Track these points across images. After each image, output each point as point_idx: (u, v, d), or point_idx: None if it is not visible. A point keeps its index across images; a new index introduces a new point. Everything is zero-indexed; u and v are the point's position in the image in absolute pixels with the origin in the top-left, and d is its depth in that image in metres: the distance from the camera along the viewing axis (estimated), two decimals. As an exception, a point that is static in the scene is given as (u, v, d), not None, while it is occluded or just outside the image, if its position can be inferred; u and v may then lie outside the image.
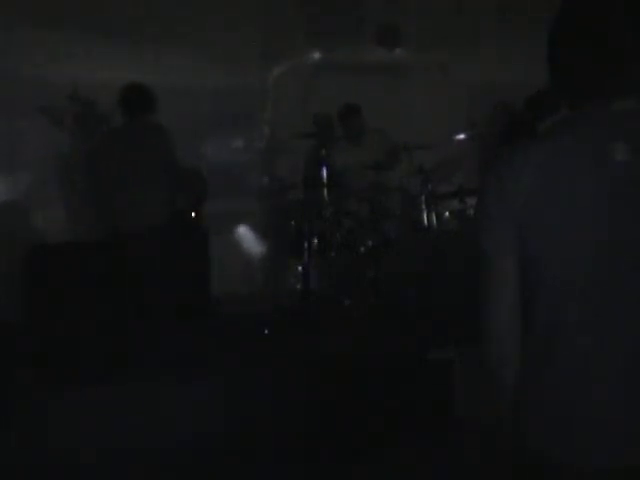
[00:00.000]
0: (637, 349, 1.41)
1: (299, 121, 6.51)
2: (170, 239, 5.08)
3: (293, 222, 5.59)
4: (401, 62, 7.31)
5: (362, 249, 5.47)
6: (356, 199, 5.79)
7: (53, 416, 3.59)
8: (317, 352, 4.25)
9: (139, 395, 3.72)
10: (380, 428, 3.72)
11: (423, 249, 5.35)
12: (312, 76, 7.20)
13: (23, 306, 4.62)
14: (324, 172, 5.66)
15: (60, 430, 3.53)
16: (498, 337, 1.54)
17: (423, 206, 5.65)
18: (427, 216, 5.64)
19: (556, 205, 1.43)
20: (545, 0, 2.25)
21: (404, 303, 5.00)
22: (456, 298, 3.95)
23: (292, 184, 6.29)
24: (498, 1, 6.80)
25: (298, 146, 6.34)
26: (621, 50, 1.44)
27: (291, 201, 6.14)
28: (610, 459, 1.41)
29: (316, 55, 7.27)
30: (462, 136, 6.06)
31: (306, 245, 5.42)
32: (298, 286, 5.58)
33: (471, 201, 5.58)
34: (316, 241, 5.43)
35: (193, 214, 5.58)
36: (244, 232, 7.07)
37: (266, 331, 4.70)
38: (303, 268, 5.48)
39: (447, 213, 5.80)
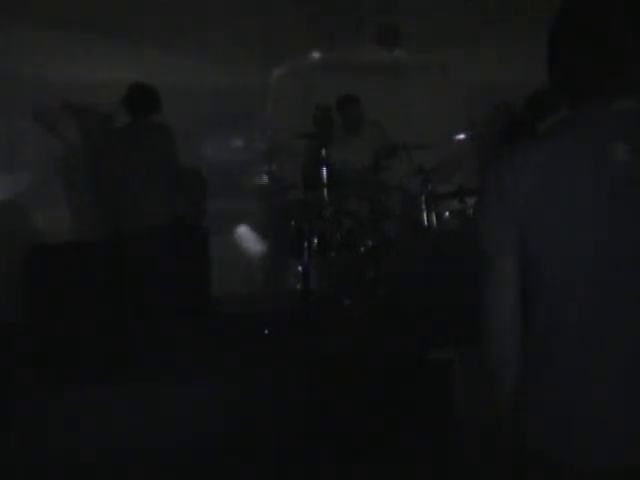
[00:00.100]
0: (637, 349, 1.41)
1: (299, 121, 6.50)
2: (170, 239, 5.08)
3: (293, 222, 5.59)
4: (401, 62, 7.31)
5: (362, 249, 5.47)
6: (356, 199, 5.79)
7: (53, 416, 3.59)
8: (317, 352, 4.25)
9: (139, 395, 3.72)
10: (380, 428, 3.72)
11: (423, 249, 5.34)
12: (312, 76, 7.20)
13: (23, 306, 4.63)
14: (324, 172, 5.66)
15: (60, 430, 3.54)
16: (498, 337, 1.54)
17: (423, 206, 5.65)
18: (427, 216, 5.64)
19: (556, 205, 1.43)
20: (545, 0, 2.25)
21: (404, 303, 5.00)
22: (456, 298, 3.94)
23: (292, 184, 6.29)
24: (498, 1, 6.79)
25: (298, 146, 6.33)
26: (621, 50, 1.44)
27: (291, 201, 6.14)
28: (610, 459, 1.41)
29: (316, 55, 7.27)
30: (462, 136, 6.06)
31: (306, 245, 5.42)
32: (298, 286, 5.58)
33: (471, 201, 5.58)
34: (316, 241, 5.43)
35: (193, 214, 5.58)
36: (244, 232, 7.07)
37: (266, 331, 4.70)
38: (303, 268, 5.48)
39: (447, 213, 5.80)
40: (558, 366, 1.45)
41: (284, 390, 3.85)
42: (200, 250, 5.32)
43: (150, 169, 5.04)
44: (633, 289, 1.41)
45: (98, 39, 6.12)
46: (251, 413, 3.73)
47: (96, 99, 5.94)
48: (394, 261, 5.36)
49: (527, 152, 1.48)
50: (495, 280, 1.53)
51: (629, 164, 1.41)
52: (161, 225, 5.04)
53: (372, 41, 7.18)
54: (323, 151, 5.70)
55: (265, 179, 7.21)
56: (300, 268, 5.55)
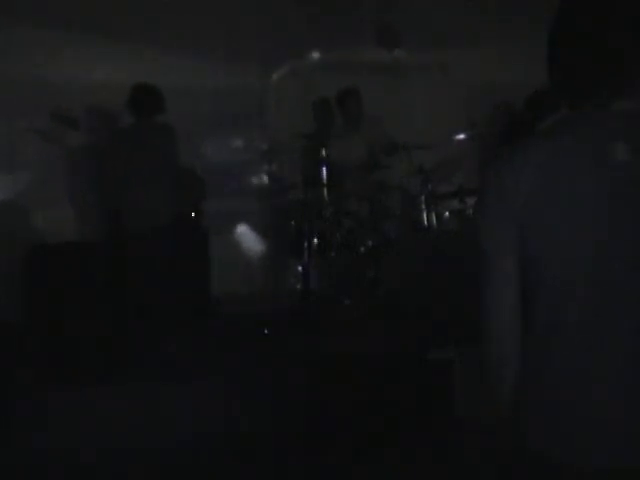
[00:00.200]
0: (637, 349, 1.41)
1: (299, 121, 6.50)
2: (170, 239, 5.08)
3: (293, 222, 5.59)
4: (401, 62, 7.31)
5: (362, 249, 5.47)
6: (356, 199, 5.79)
7: (53, 416, 3.59)
8: (317, 352, 4.25)
9: (139, 395, 3.72)
10: (380, 428, 3.72)
11: (423, 249, 5.34)
12: (312, 76, 7.19)
13: (23, 306, 4.63)
14: (324, 172, 5.66)
15: (60, 430, 3.54)
16: (498, 337, 1.54)
17: (423, 206, 5.65)
18: (427, 216, 5.64)
19: (556, 205, 1.43)
20: (545, 0, 2.25)
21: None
22: (456, 298, 3.94)
23: (292, 184, 6.29)
24: (498, 1, 6.79)
25: (298, 146, 6.34)
26: (621, 50, 1.44)
27: (291, 201, 6.14)
28: (610, 459, 1.41)
29: (316, 55, 7.27)
30: (462, 136, 6.05)
31: (306, 245, 5.42)
32: (298, 286, 5.59)
33: (471, 201, 5.57)
34: (316, 241, 5.44)
35: (193, 214, 5.59)
36: (244, 232, 7.07)
37: (266, 331, 4.70)
38: (303, 268, 5.48)
39: (447, 213, 5.80)
40: (558, 366, 1.45)
41: (284, 390, 3.85)
42: (200, 250, 5.33)
43: (152, 170, 5.05)
44: (633, 289, 1.41)
45: (98, 39, 6.12)
46: (251, 413, 3.73)
47: (96, 99, 5.94)
48: (394, 261, 5.36)
49: (527, 152, 1.48)
50: (495, 280, 1.53)
51: (629, 164, 1.41)
52: (161, 225, 5.04)
53: (372, 41, 7.17)
54: (323, 151, 5.70)
55: (265, 179, 7.21)
56: (300, 268, 5.55)
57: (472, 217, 5.34)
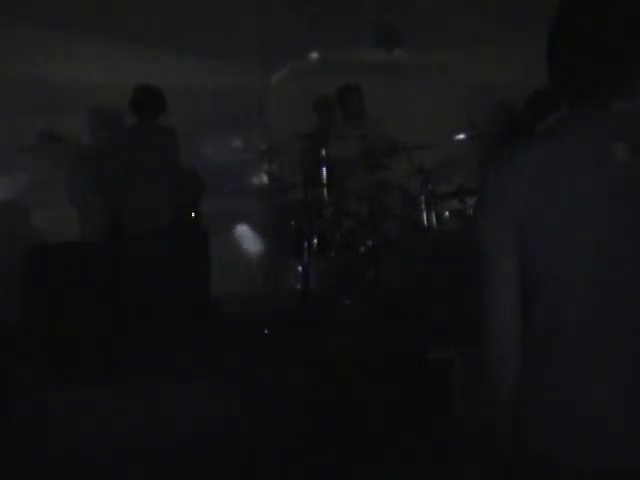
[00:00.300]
0: (637, 349, 1.41)
1: (299, 121, 6.50)
2: (170, 239, 5.09)
3: (293, 222, 5.59)
4: (401, 62, 7.31)
5: (362, 249, 5.47)
6: (356, 199, 5.79)
7: (53, 416, 3.59)
8: (317, 352, 4.25)
9: (139, 395, 3.72)
10: (380, 428, 3.72)
11: (423, 249, 5.34)
12: (312, 76, 7.19)
13: (23, 306, 4.62)
14: (324, 172, 5.66)
15: (60, 430, 3.53)
16: (498, 337, 1.54)
17: (423, 206, 5.65)
18: (427, 216, 5.63)
19: (556, 205, 1.43)
20: (545, 0, 2.25)
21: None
22: (456, 298, 3.94)
23: (292, 184, 6.29)
24: (498, 1, 6.79)
25: (298, 146, 6.34)
26: (621, 50, 1.44)
27: (291, 201, 6.14)
28: (610, 459, 1.41)
29: (316, 55, 7.26)
30: (462, 136, 6.05)
31: (306, 245, 5.42)
32: (298, 286, 5.59)
33: (471, 201, 5.57)
34: (316, 241, 5.43)
35: (193, 214, 5.59)
36: (244, 232, 7.07)
37: (266, 331, 4.70)
38: (303, 268, 5.48)
39: (447, 213, 5.80)
40: (558, 366, 1.45)
41: (284, 390, 3.85)
42: (200, 250, 5.32)
43: (153, 170, 5.08)
44: (633, 289, 1.41)
45: (98, 39, 6.12)
46: (251, 413, 3.73)
47: (96, 99, 5.95)
48: (394, 261, 5.36)
49: (527, 152, 1.48)
50: (495, 280, 1.53)
51: (629, 164, 1.41)
52: (161, 225, 5.05)
53: (372, 41, 7.17)
54: (323, 151, 5.70)
55: (265, 179, 7.21)
56: (300, 268, 5.55)
57: (472, 217, 5.34)
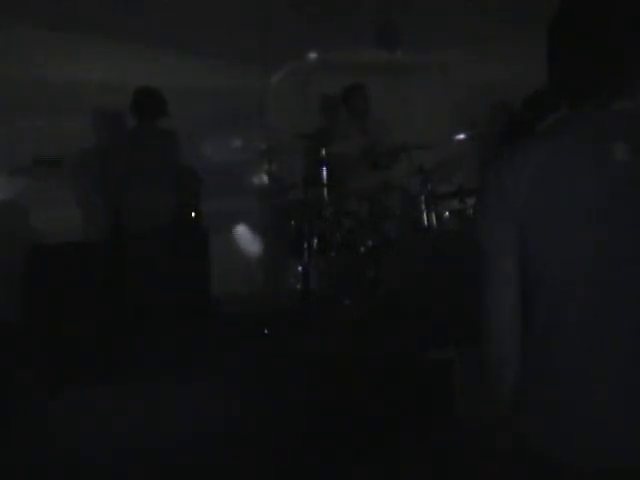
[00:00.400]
0: (637, 349, 1.41)
1: (299, 121, 6.51)
2: (170, 239, 5.10)
3: (293, 222, 5.59)
4: (401, 62, 7.31)
5: (362, 249, 5.47)
6: (356, 199, 5.79)
7: (53, 416, 3.59)
8: (317, 352, 4.25)
9: (139, 395, 3.72)
10: (380, 428, 3.72)
11: (423, 249, 5.34)
12: (312, 76, 7.19)
13: (23, 306, 4.62)
14: (324, 172, 5.67)
15: (60, 430, 3.53)
16: (498, 337, 1.54)
17: (423, 206, 5.66)
18: (427, 216, 5.64)
19: (556, 205, 1.43)
20: (545, 0, 2.25)
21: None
22: (456, 298, 3.94)
23: (292, 184, 6.29)
24: (498, 1, 6.79)
25: (298, 146, 6.34)
26: (621, 50, 1.44)
27: (291, 201, 6.14)
28: (610, 459, 1.41)
29: (316, 55, 7.26)
30: (462, 136, 6.05)
31: (306, 245, 5.42)
32: (298, 286, 5.58)
33: (471, 201, 5.57)
34: (316, 241, 5.44)
35: (193, 214, 5.59)
36: (244, 232, 7.06)
37: (266, 331, 4.70)
38: (303, 268, 5.48)
39: (447, 213, 5.80)
40: (558, 366, 1.45)
41: (284, 390, 3.85)
42: (200, 250, 5.32)
43: (154, 171, 5.12)
44: (633, 289, 1.41)
45: (98, 39, 6.11)
46: (251, 413, 3.73)
47: (96, 99, 5.95)
48: (394, 261, 5.36)
49: (527, 152, 1.48)
50: (495, 280, 1.53)
51: (629, 164, 1.41)
52: (161, 225, 5.06)
53: (372, 41, 7.17)
54: (323, 151, 5.70)
55: (265, 179, 7.21)
56: (300, 268, 5.55)
57: (472, 217, 5.34)
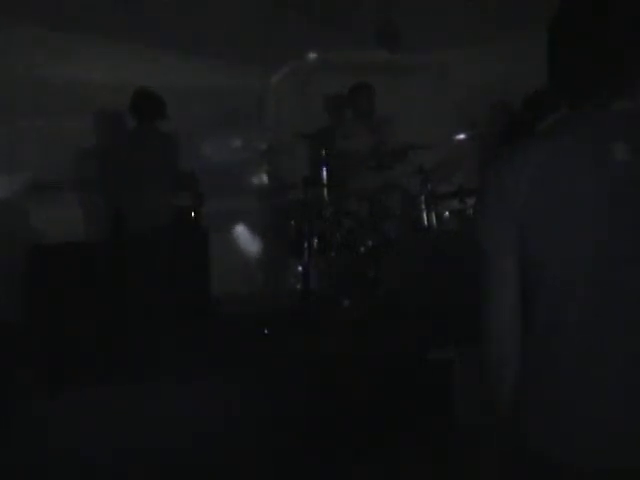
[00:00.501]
0: (637, 349, 1.41)
1: (299, 121, 6.51)
2: (170, 239, 5.10)
3: (293, 222, 5.59)
4: (401, 62, 7.31)
5: (362, 249, 5.47)
6: (356, 199, 5.79)
7: (53, 416, 3.59)
8: (317, 352, 4.25)
9: (139, 395, 3.72)
10: (380, 428, 3.72)
11: (423, 249, 5.34)
12: (312, 76, 7.19)
13: (23, 306, 4.63)
14: (324, 172, 5.67)
15: (60, 430, 3.53)
16: (498, 337, 1.54)
17: (423, 206, 5.66)
18: (427, 216, 5.64)
19: (556, 205, 1.43)
20: (545, 0, 2.25)
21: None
22: (456, 298, 3.94)
23: (292, 184, 6.29)
24: (498, 1, 6.80)
25: (298, 146, 6.35)
26: (621, 50, 1.44)
27: (291, 201, 6.14)
28: (610, 459, 1.41)
29: (316, 55, 7.26)
30: (462, 136, 6.06)
31: (306, 245, 5.42)
32: (298, 286, 5.58)
33: (471, 201, 5.57)
34: (316, 241, 5.43)
35: (193, 214, 5.59)
36: (244, 232, 7.07)
37: (266, 331, 4.70)
38: (303, 268, 5.48)
39: (447, 213, 5.80)
40: (558, 366, 1.45)
41: (284, 390, 3.85)
42: (200, 250, 5.32)
43: (153, 172, 5.13)
44: (633, 289, 1.41)
45: (98, 39, 6.12)
46: (251, 413, 3.73)
47: (96, 99, 5.95)
48: (394, 261, 5.36)
49: (527, 152, 1.48)
50: (495, 280, 1.53)
51: (629, 164, 1.41)
52: (161, 225, 5.07)
53: (372, 41, 7.17)
54: (323, 151, 5.70)
55: (265, 179, 7.21)
56: (300, 268, 5.55)
57: (472, 217, 5.34)
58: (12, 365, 3.99)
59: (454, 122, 6.33)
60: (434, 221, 5.66)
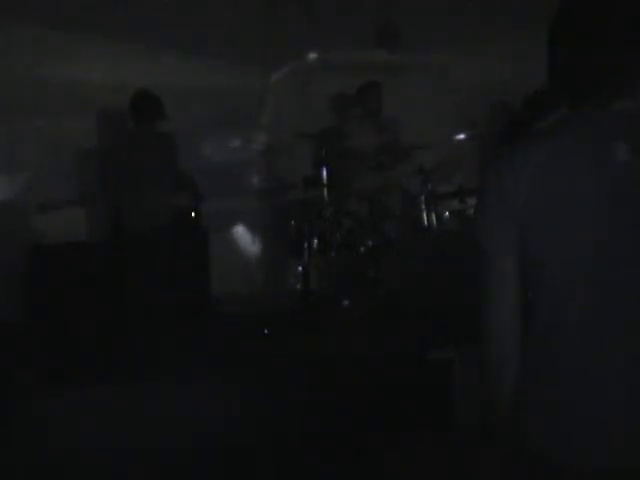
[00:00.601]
0: (637, 349, 1.41)
1: (299, 121, 6.51)
2: (170, 239, 5.10)
3: (293, 222, 5.59)
4: (401, 62, 7.31)
5: (362, 249, 5.47)
6: (356, 199, 5.79)
7: (53, 416, 3.59)
8: (317, 352, 4.25)
9: (139, 395, 3.72)
10: (380, 428, 3.72)
11: (423, 249, 5.34)
12: (312, 76, 7.19)
13: (23, 306, 4.63)
14: (324, 172, 5.67)
15: (60, 430, 3.53)
16: (498, 337, 1.54)
17: (423, 206, 5.65)
18: (427, 216, 5.63)
19: (556, 205, 1.43)
20: (545, 0, 2.25)
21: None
22: (456, 298, 3.94)
23: (292, 184, 6.29)
24: (498, 1, 6.79)
25: (298, 146, 6.34)
26: (621, 50, 1.44)
27: (291, 201, 6.14)
28: (610, 459, 1.41)
29: (316, 55, 7.27)
30: (462, 136, 6.05)
31: (306, 245, 5.42)
32: (298, 286, 5.58)
33: (471, 201, 5.58)
34: (316, 241, 5.43)
35: (193, 214, 5.60)
36: (244, 232, 7.07)
37: (266, 331, 4.70)
38: (303, 268, 5.48)
39: (447, 213, 5.80)
40: (558, 366, 1.45)
41: (284, 390, 3.85)
42: (200, 250, 5.32)
43: (153, 172, 5.14)
44: (633, 289, 1.41)
45: (98, 39, 6.12)
46: (251, 413, 3.73)
47: (96, 99, 5.95)
48: (394, 261, 5.36)
49: (527, 152, 1.48)
50: (495, 280, 1.53)
51: (629, 164, 1.41)
52: (161, 225, 5.07)
53: (372, 41, 7.17)
54: (323, 152, 5.70)
55: (265, 179, 7.21)
56: (300, 268, 5.54)
57: (472, 217, 5.34)
58: (12, 365, 3.99)
59: (454, 122, 6.33)
60: (434, 221, 5.66)
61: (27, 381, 3.86)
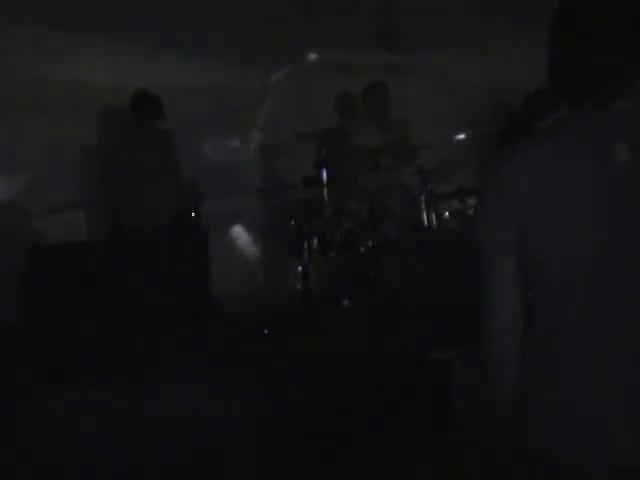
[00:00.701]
0: (637, 349, 1.41)
1: (299, 121, 6.51)
2: (170, 239, 5.10)
3: (293, 222, 5.59)
4: (401, 63, 7.31)
5: (362, 249, 5.46)
6: (356, 199, 5.79)
7: (53, 416, 3.59)
8: (317, 352, 4.25)
9: (139, 395, 3.72)
10: (380, 428, 3.72)
11: (423, 249, 5.34)
12: (312, 76, 7.19)
13: (23, 306, 4.63)
14: (324, 172, 5.67)
15: (60, 430, 3.53)
16: (498, 337, 1.54)
17: (423, 206, 5.65)
18: (427, 216, 5.63)
19: (556, 205, 1.43)
20: (545, 0, 2.25)
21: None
22: (456, 298, 3.94)
23: (292, 184, 6.29)
24: (498, 1, 6.80)
25: (298, 146, 6.34)
26: (621, 50, 1.44)
27: (291, 201, 6.14)
28: (610, 459, 1.41)
29: (316, 55, 7.27)
30: (462, 136, 6.05)
31: (306, 245, 5.42)
32: (298, 286, 5.58)
33: (471, 201, 5.57)
34: (316, 241, 5.43)
35: (193, 214, 5.60)
36: (244, 232, 7.07)
37: (266, 331, 4.70)
38: (303, 268, 5.48)
39: (447, 213, 5.80)
40: (558, 366, 1.45)
41: (284, 390, 3.85)
42: (200, 250, 5.33)
43: (152, 171, 5.14)
44: (633, 289, 1.41)
45: (98, 39, 6.12)
46: (251, 413, 3.73)
47: (96, 99, 5.96)
48: (394, 261, 5.36)
49: (527, 152, 1.48)
50: (495, 280, 1.53)
51: (629, 164, 1.41)
52: (161, 225, 5.07)
53: (372, 41, 7.18)
54: (323, 152, 5.70)
55: (265, 179, 7.21)
56: (300, 268, 5.54)
57: (472, 217, 5.34)
58: (12, 365, 3.99)
59: (454, 122, 6.33)
60: (434, 221, 5.66)
61: (27, 381, 3.86)
